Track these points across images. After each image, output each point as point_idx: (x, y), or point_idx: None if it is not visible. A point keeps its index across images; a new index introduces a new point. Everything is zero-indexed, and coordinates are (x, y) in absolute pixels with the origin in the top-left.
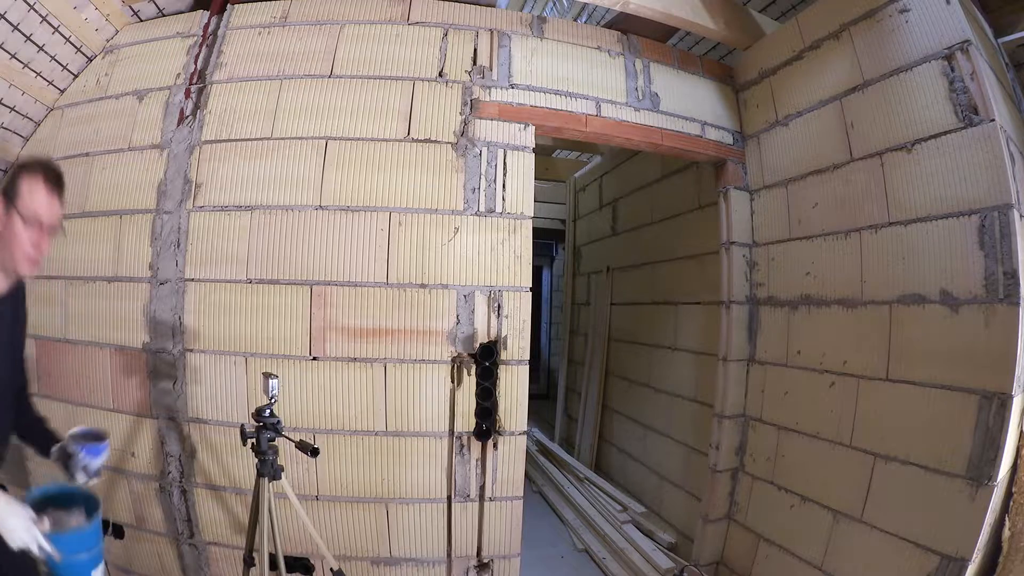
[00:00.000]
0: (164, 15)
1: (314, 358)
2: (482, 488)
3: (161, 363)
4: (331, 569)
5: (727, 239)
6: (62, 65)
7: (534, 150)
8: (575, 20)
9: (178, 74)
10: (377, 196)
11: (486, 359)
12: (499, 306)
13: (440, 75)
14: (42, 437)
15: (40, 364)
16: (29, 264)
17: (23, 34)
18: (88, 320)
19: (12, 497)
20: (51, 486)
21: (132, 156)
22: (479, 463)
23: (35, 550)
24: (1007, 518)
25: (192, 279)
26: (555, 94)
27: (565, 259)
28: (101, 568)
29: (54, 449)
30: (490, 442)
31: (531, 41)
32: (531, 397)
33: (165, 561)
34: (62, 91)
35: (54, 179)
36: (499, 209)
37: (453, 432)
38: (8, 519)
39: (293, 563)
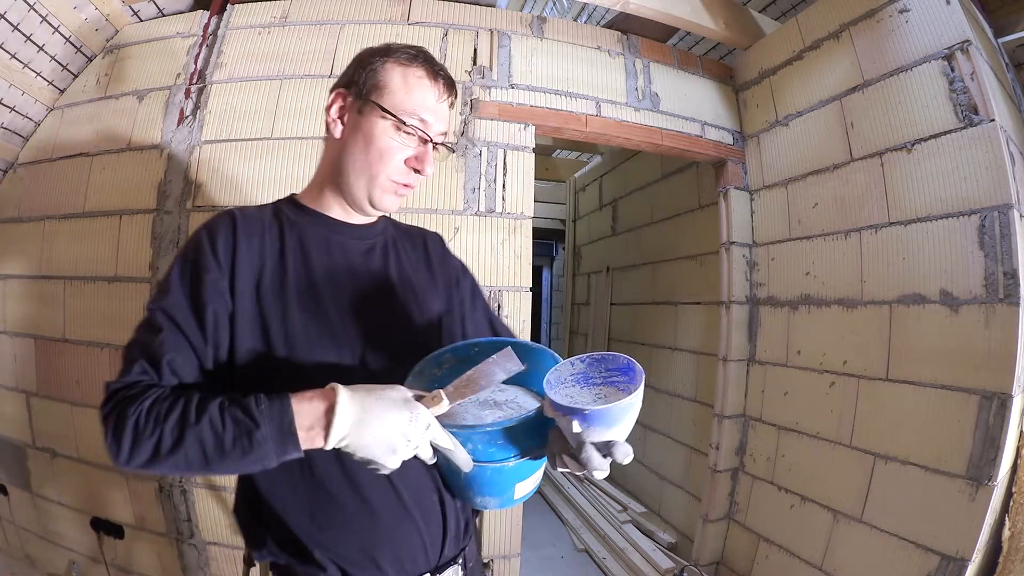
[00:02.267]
0: (164, 15)
1: None
2: None
3: None
4: None
5: (727, 239)
6: (62, 65)
7: (534, 150)
8: (575, 20)
9: (178, 74)
10: None
11: None
12: (499, 306)
13: None
14: None
15: (40, 364)
16: (391, 193)
17: (23, 34)
18: (88, 320)
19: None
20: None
21: (132, 156)
22: None
23: (423, 456)
24: (1007, 518)
25: None
26: (555, 94)
27: (565, 259)
28: (538, 474)
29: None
30: None
31: (531, 41)
32: None
33: (165, 561)
34: (62, 91)
35: (442, 75)
36: (499, 209)
37: None
38: (375, 415)
39: None
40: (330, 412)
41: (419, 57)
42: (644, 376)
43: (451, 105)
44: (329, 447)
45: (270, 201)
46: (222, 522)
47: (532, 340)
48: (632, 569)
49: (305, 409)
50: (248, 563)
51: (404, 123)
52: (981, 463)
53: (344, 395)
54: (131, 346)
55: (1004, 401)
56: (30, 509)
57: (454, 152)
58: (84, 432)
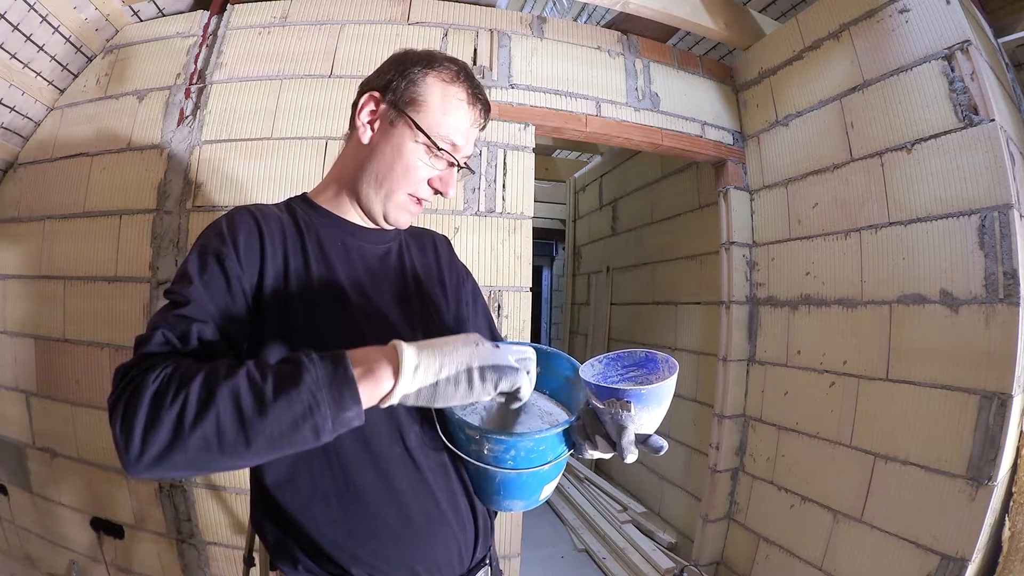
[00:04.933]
0: (164, 15)
1: None
2: None
3: None
4: None
5: (727, 239)
6: (62, 65)
7: (534, 150)
8: (575, 20)
9: (178, 74)
10: None
11: None
12: (499, 306)
13: None
14: None
15: (40, 364)
16: (405, 211)
17: (23, 34)
18: (88, 320)
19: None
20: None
21: (132, 156)
22: None
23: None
24: (1007, 518)
25: None
26: (555, 94)
27: (565, 259)
28: (561, 474)
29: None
30: None
31: (531, 41)
32: None
33: (165, 561)
34: (62, 91)
35: (481, 98)
36: (499, 209)
37: None
38: (442, 345)
39: None
40: (393, 353)
41: (461, 75)
42: (675, 364)
43: (482, 128)
44: (403, 389)
45: (278, 200)
46: (222, 522)
47: (531, 340)
48: (632, 569)
49: (360, 355)
50: (248, 563)
51: (437, 146)
52: (981, 463)
53: (403, 343)
54: (148, 327)
55: (1004, 401)
56: (30, 509)
57: (473, 173)
58: (84, 432)
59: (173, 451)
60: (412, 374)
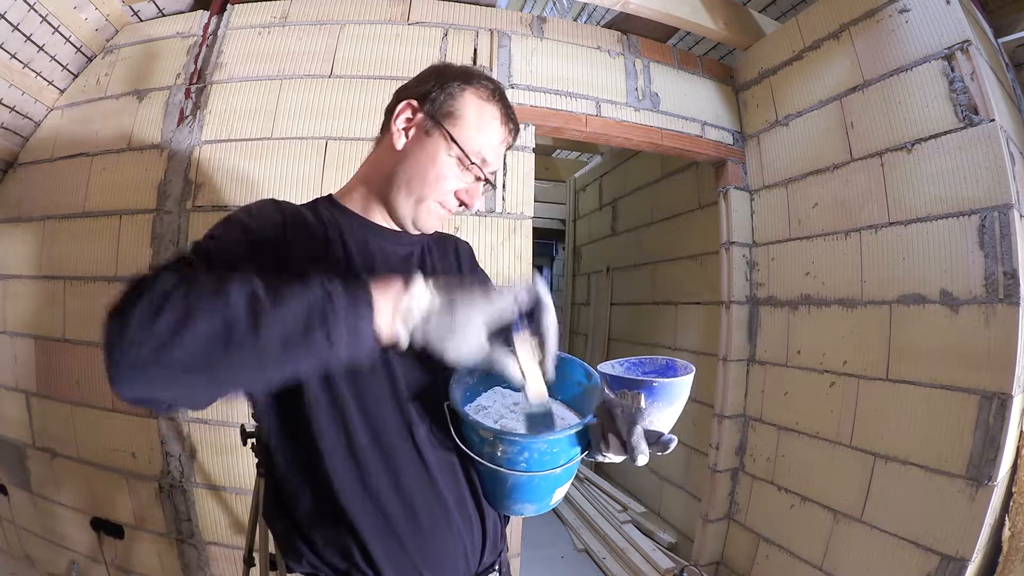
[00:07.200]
0: (164, 15)
1: None
2: None
3: None
4: None
5: (727, 239)
6: (62, 65)
7: (534, 150)
8: (575, 20)
9: (178, 74)
10: None
11: None
12: None
13: None
14: None
15: (39, 364)
16: (434, 217)
17: (23, 34)
18: (88, 320)
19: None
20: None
21: (132, 156)
22: None
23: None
24: (1007, 518)
25: None
26: (555, 94)
27: (565, 259)
28: (572, 478)
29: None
30: None
31: (531, 41)
32: None
33: (165, 561)
34: (62, 91)
35: (513, 119)
36: (499, 209)
37: None
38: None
39: None
40: (406, 282)
41: (496, 94)
42: (692, 368)
43: (509, 147)
44: (416, 300)
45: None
46: (222, 522)
47: None
48: (632, 569)
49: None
50: (248, 563)
51: (469, 160)
52: (981, 463)
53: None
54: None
55: (1004, 401)
56: (30, 509)
57: (495, 188)
58: (84, 432)
59: (173, 343)
60: (420, 289)
